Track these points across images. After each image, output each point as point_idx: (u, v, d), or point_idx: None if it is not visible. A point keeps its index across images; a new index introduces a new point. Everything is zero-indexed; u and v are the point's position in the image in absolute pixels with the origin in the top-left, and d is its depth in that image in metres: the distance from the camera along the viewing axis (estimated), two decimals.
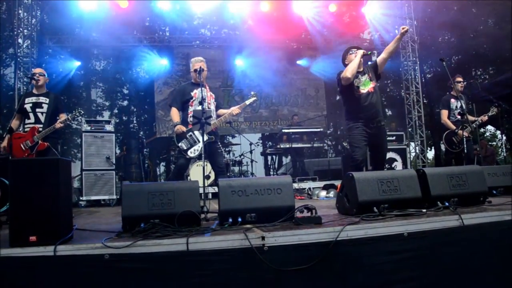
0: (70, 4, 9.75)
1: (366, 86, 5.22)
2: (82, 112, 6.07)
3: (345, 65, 5.37)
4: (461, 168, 4.23)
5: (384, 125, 5.34)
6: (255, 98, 5.59)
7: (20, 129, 5.85)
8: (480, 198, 4.01)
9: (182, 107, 5.52)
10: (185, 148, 5.23)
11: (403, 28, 5.02)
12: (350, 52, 5.37)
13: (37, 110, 5.68)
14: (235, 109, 5.43)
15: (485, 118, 6.89)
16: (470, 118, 6.51)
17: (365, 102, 5.17)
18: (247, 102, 5.56)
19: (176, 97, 5.58)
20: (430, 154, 17.30)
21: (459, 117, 6.95)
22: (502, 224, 3.35)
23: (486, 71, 17.50)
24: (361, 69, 5.29)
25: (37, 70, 5.85)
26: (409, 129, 11.97)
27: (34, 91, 5.79)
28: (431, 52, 14.18)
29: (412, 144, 11.94)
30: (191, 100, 5.40)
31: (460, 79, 6.79)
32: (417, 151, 11.93)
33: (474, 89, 10.76)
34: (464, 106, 6.91)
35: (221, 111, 5.61)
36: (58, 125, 5.59)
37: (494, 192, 4.56)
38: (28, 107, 5.65)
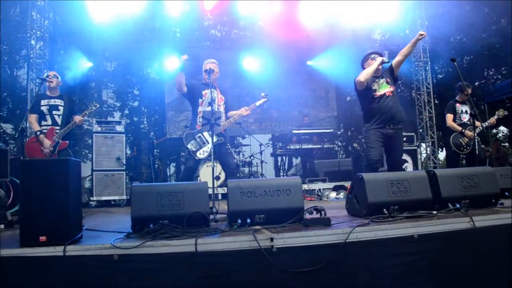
0: (83, 16, 9.84)
1: (384, 88, 5.25)
2: (98, 106, 6.07)
3: (364, 69, 5.40)
4: (472, 170, 4.19)
5: (402, 128, 5.34)
6: (265, 99, 5.56)
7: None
8: (492, 199, 3.97)
9: (191, 105, 5.49)
10: (194, 149, 5.20)
11: (420, 34, 5.02)
12: (371, 58, 5.38)
13: (54, 112, 5.72)
14: (244, 110, 5.40)
15: (493, 120, 6.83)
16: (477, 123, 6.47)
17: (382, 104, 5.19)
18: (257, 103, 5.52)
19: (189, 86, 5.49)
20: (441, 155, 17.11)
21: (464, 120, 6.93)
22: None
23: (499, 71, 17.28)
24: (379, 73, 5.31)
25: (51, 73, 5.90)
26: (420, 130, 11.86)
27: (48, 93, 5.83)
28: (443, 52, 14.03)
29: (423, 145, 11.84)
30: (201, 100, 5.38)
31: (469, 90, 6.69)
32: (428, 152, 11.82)
33: (486, 89, 10.67)
34: (469, 111, 6.87)
35: (231, 112, 5.59)
36: (78, 118, 5.62)
37: (507, 193, 4.49)
38: (45, 109, 5.68)
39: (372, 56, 5.37)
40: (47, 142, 5.50)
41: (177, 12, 10.61)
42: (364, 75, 5.16)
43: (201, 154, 5.20)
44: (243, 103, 5.45)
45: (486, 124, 6.72)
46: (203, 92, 5.36)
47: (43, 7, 9.82)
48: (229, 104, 5.62)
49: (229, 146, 5.55)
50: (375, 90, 5.24)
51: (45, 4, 9.91)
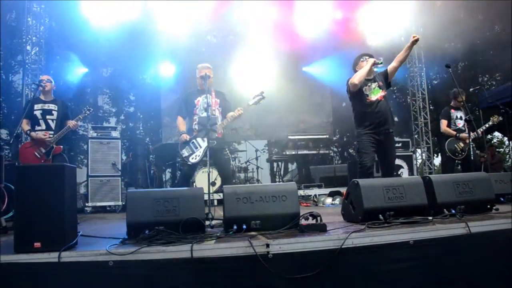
0: (79, 22, 9.81)
1: (376, 94, 5.23)
2: (92, 110, 6.05)
3: (355, 72, 5.37)
4: (467, 175, 4.20)
5: (393, 132, 5.33)
6: (260, 97, 5.51)
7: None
8: (487, 205, 3.98)
9: (187, 115, 5.48)
10: (186, 154, 5.19)
11: (414, 37, 5.03)
12: (362, 59, 5.38)
13: (47, 117, 5.68)
14: (237, 111, 5.32)
15: (484, 127, 6.88)
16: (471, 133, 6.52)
17: (374, 109, 5.18)
18: (250, 102, 5.47)
19: (181, 106, 5.54)
20: (437, 160, 17.14)
21: (459, 126, 7.01)
22: (510, 232, 3.31)
23: (493, 77, 17.40)
24: (371, 77, 5.31)
25: (44, 77, 5.88)
26: (415, 136, 11.91)
27: (42, 97, 5.80)
28: (437, 58, 14.11)
29: (419, 150, 11.88)
30: (195, 108, 5.36)
31: (463, 97, 6.72)
32: (424, 157, 11.87)
33: (481, 95, 10.73)
34: (463, 116, 6.91)
35: (228, 114, 5.57)
36: (72, 123, 5.61)
37: (502, 199, 4.51)
38: (38, 113, 5.65)
39: (363, 58, 5.38)
40: (40, 135, 5.48)
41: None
42: (358, 77, 5.15)
43: (193, 158, 5.18)
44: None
45: (480, 130, 6.76)
46: (195, 101, 5.34)
47: (38, 13, 9.82)
48: (226, 105, 5.58)
49: (227, 152, 5.52)
50: (367, 95, 5.23)
51: (41, 10, 9.91)
